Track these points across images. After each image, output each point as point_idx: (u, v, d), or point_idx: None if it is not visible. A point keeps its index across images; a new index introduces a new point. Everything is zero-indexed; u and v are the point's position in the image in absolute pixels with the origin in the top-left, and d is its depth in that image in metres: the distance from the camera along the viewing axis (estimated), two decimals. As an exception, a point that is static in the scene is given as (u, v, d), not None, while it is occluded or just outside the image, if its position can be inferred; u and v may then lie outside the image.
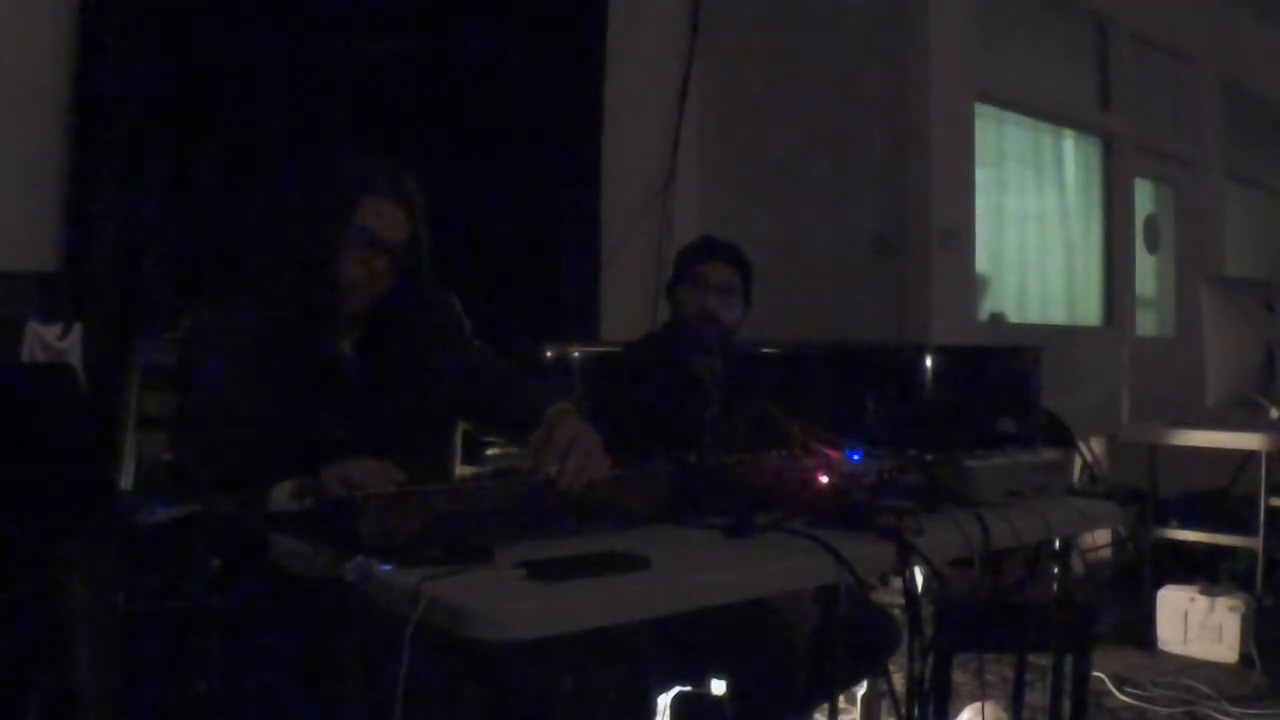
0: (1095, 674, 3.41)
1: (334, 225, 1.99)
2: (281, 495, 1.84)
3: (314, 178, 2.09)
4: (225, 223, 3.64)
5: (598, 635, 1.50)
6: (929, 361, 3.87)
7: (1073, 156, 6.36)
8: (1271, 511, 3.98)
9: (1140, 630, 4.13)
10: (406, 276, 2.06)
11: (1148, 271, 6.89)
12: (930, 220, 4.81)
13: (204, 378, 2.02)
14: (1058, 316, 6.16)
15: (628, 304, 4.86)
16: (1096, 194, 6.39)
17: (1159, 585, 4.18)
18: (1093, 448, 5.22)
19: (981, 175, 5.32)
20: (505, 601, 1.43)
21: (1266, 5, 7.22)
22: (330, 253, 1.99)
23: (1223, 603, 3.98)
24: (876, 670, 2.60)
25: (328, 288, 1.99)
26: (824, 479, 1.94)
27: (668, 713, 2.29)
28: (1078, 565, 4.41)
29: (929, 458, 2.10)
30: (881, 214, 4.87)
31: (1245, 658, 3.89)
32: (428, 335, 2.13)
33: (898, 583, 2.02)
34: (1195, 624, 4.02)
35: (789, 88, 5.09)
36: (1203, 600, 4.02)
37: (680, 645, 2.10)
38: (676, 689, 2.29)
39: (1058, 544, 2.41)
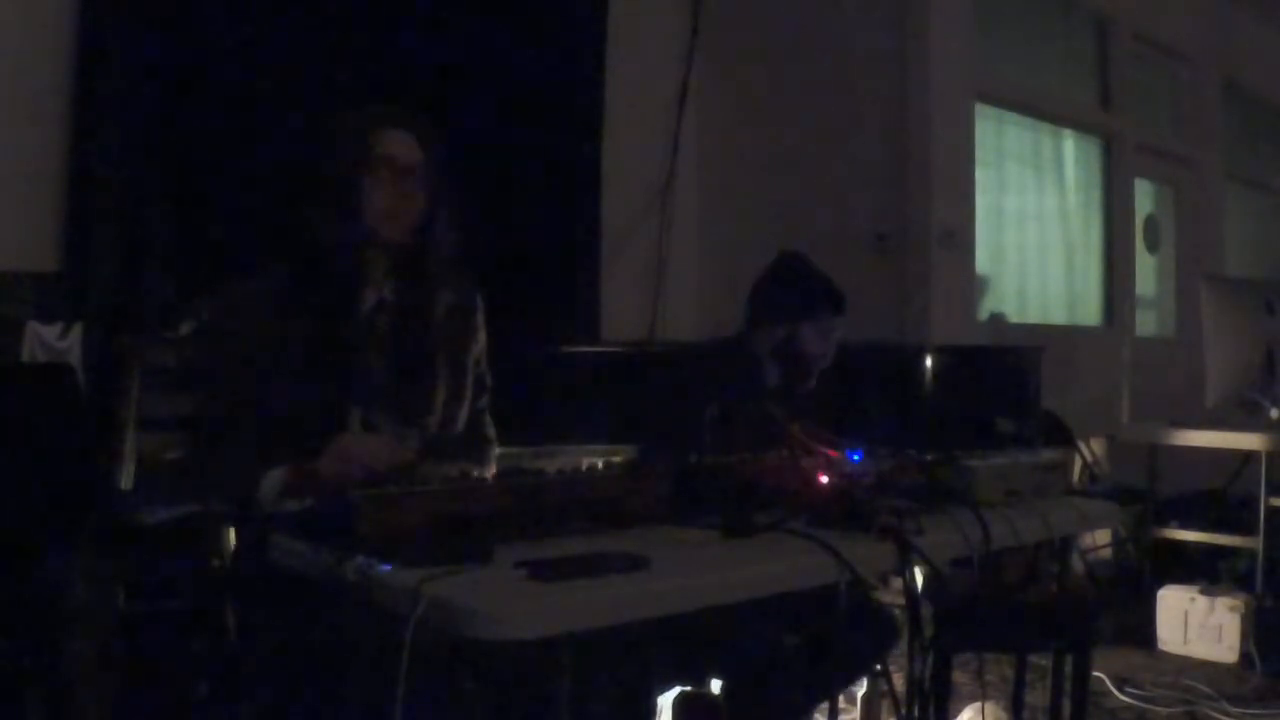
0: (1095, 674, 3.41)
1: (352, 160, 2.02)
2: (272, 486, 1.84)
3: (322, 136, 2.10)
4: (226, 223, 3.64)
5: (598, 635, 1.50)
6: (929, 361, 3.86)
7: (1073, 156, 6.35)
8: (1271, 511, 3.99)
9: (1140, 630, 4.13)
10: (430, 210, 2.09)
11: (1148, 271, 6.89)
12: (930, 220, 4.80)
13: (227, 362, 2.03)
14: (1058, 316, 6.15)
15: (628, 304, 4.86)
16: (1096, 194, 6.39)
17: (1159, 585, 4.18)
18: (1093, 448, 5.22)
19: (981, 175, 5.32)
20: (505, 601, 1.43)
21: (1266, 5, 7.21)
22: (355, 186, 2.01)
23: (1223, 603, 3.97)
24: (875, 668, 2.60)
25: (357, 220, 2.01)
26: (824, 479, 1.94)
27: (668, 713, 2.29)
28: (1078, 565, 4.40)
29: (929, 458, 2.10)
30: (881, 214, 4.86)
31: (1245, 658, 3.89)
32: (456, 325, 2.19)
33: (898, 583, 2.02)
34: (1195, 624, 4.02)
35: (789, 88, 5.08)
36: (1203, 600, 4.02)
37: (680, 645, 2.10)
38: (676, 689, 2.29)
39: (1058, 544, 2.41)
